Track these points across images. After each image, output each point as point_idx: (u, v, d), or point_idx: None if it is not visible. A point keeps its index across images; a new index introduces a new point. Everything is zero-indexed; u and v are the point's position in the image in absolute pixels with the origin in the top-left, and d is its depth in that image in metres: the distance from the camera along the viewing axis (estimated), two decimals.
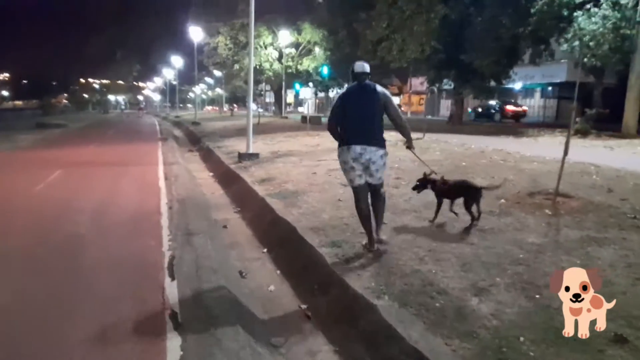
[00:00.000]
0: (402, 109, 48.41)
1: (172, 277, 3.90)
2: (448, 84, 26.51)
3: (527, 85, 34.00)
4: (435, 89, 21.09)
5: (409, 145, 4.72)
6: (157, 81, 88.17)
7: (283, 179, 7.71)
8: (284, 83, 31.73)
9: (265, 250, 5.00)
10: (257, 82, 35.27)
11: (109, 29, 77.57)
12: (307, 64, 31.77)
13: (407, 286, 3.32)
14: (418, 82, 55.51)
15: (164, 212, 5.75)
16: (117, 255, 4.47)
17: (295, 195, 6.41)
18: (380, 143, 4.11)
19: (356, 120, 4.03)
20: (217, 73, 69.50)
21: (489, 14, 16.96)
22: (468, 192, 4.58)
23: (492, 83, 21.42)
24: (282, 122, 24.76)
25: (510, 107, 29.62)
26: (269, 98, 77.44)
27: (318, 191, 6.59)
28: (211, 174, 10.29)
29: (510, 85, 28.73)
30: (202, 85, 77.64)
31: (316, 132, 15.66)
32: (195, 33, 26.50)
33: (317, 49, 30.85)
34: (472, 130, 18.46)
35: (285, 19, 30.42)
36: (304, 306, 3.59)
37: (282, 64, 31.41)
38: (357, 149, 4.01)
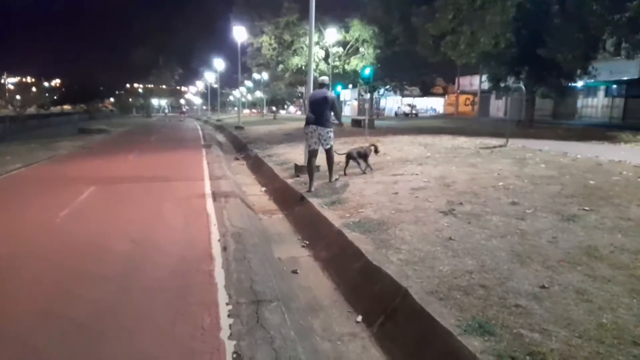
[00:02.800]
0: (446, 110, 45.81)
1: None
2: (508, 83, 24.33)
3: (590, 84, 31.07)
4: (510, 86, 18.91)
5: (339, 124, 7.95)
6: (199, 85, 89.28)
7: (357, 200, 6.22)
8: (329, 84, 30.37)
9: (360, 319, 3.51)
10: (300, 84, 34.09)
11: (153, 34, 78.98)
12: (355, 63, 30.24)
13: None
14: (467, 82, 53.26)
15: (217, 258, 4.33)
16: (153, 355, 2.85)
17: (383, 228, 4.90)
18: (327, 125, 7.15)
19: (315, 108, 7.14)
20: (257, 76, 69.35)
21: (574, 1, 14.86)
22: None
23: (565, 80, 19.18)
24: None
25: None
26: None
27: (412, 221, 5.05)
28: (263, 189, 8.96)
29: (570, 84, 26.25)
30: (242, 89, 77.67)
31: (376, 138, 14.08)
32: (239, 33, 25.53)
33: (365, 47, 29.28)
34: (550, 134, 16.36)
35: (332, 16, 29.06)
36: None
37: (328, 63, 30.02)
38: (312, 127, 7.15)
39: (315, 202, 6.38)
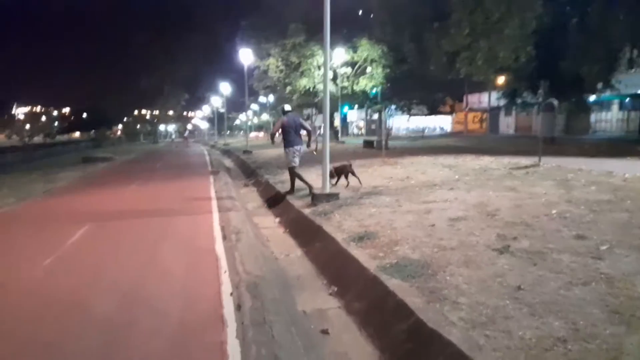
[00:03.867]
0: (454, 128, 45.24)
1: None
2: (526, 98, 23.64)
3: (604, 97, 30.21)
4: (529, 102, 18.15)
5: (309, 145, 9.92)
6: (205, 109, 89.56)
7: (389, 235, 5.40)
8: (339, 105, 29.79)
9: None
10: (308, 105, 33.64)
11: (158, 61, 79.68)
12: (364, 83, 29.75)
13: None
14: (475, 99, 52.70)
15: (230, 321, 3.43)
16: None
17: (428, 272, 4.07)
18: (301, 143, 9.35)
19: (292, 133, 9.16)
20: (263, 99, 69.29)
21: (598, 11, 14.20)
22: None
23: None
24: (342, 148, 22.65)
25: None
26: (318, 122, 76.51)
27: (462, 262, 4.23)
28: (277, 219, 8.16)
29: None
30: (248, 112, 77.75)
31: (394, 160, 13.32)
32: (246, 55, 25.21)
33: (374, 67, 28.80)
34: (576, 150, 15.49)
35: (339, 36, 28.68)
36: None
37: (337, 84, 29.57)
38: (297, 147, 9.21)
39: (339, 236, 5.57)
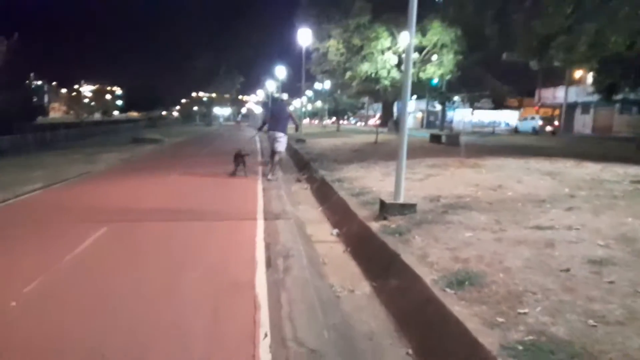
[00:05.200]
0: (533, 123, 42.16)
1: None
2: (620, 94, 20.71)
3: None
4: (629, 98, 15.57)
5: (297, 129, 14.32)
6: (260, 94, 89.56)
7: (503, 281, 3.78)
8: (408, 94, 27.69)
9: None
10: (369, 92, 31.82)
11: (215, 42, 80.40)
12: (432, 70, 27.48)
13: None
14: (549, 94, 48.73)
15: None
16: None
17: None
18: (284, 131, 10.65)
19: (274, 120, 10.67)
20: (318, 86, 67.81)
21: None
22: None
23: None
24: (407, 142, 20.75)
25: None
26: (371, 111, 74.38)
27: None
28: (335, 231, 6.71)
29: None
30: (302, 98, 76.81)
31: (473, 160, 11.44)
32: (304, 35, 23.71)
33: (445, 53, 26.44)
34: None
35: (406, 17, 26.58)
36: None
37: (401, 71, 27.51)
38: (271, 132, 10.60)
39: (427, 275, 4.01)
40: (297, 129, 12.17)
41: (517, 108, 55.60)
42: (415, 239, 5.14)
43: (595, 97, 38.22)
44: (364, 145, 19.83)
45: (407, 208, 6.30)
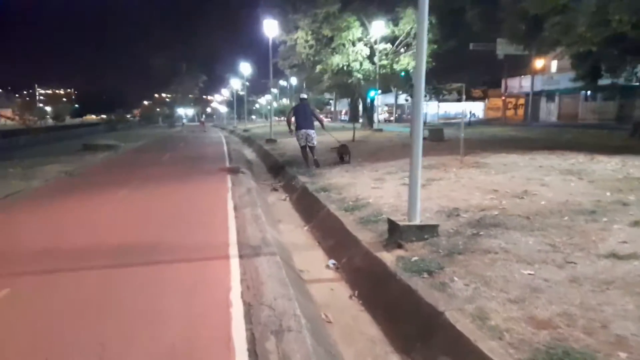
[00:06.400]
0: (486, 115, 42.02)
1: None
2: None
3: None
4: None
5: (323, 127, 12.64)
6: (225, 93, 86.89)
7: None
8: (377, 87, 26.41)
9: None
10: (342, 87, 30.39)
11: (175, 40, 77.49)
12: (406, 61, 26.29)
13: None
14: (515, 84, 48.78)
15: None
16: None
17: None
18: (312, 127, 11.35)
19: (303, 118, 11.30)
20: (283, 82, 65.87)
21: None
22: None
23: None
24: (385, 139, 19.49)
25: None
26: (339, 107, 73.10)
27: None
28: (331, 262, 5.23)
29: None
30: (267, 97, 74.95)
31: (472, 158, 10.14)
32: (270, 27, 22.01)
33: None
34: None
35: (379, 5, 25.24)
36: None
37: (373, 63, 26.20)
38: (303, 131, 11.24)
39: (499, 355, 2.57)
40: (322, 126, 12.46)
41: (482, 99, 55.55)
42: (455, 281, 3.70)
43: (560, 86, 38.60)
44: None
45: (426, 230, 4.86)
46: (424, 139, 17.88)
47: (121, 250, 5.27)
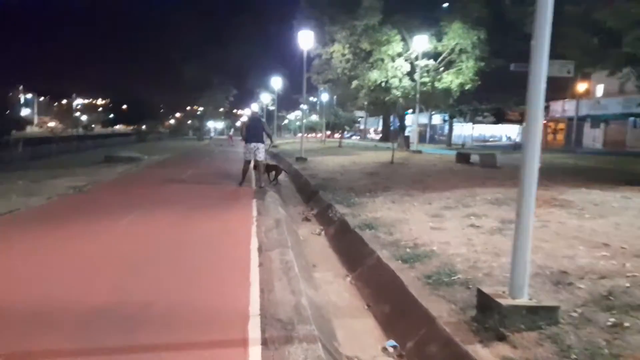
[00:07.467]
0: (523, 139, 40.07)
1: None
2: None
3: None
4: None
5: (272, 143, 15.12)
6: (255, 107, 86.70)
7: None
8: (417, 106, 24.84)
9: None
10: (375, 104, 28.98)
11: (206, 53, 77.84)
12: (449, 79, 24.70)
13: None
14: (558, 107, 46.56)
15: None
16: None
17: None
18: (261, 141, 11.78)
19: (254, 132, 11.73)
20: (313, 99, 64.89)
21: None
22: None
23: None
24: (427, 162, 17.87)
25: None
26: (368, 125, 71.48)
27: None
28: (390, 342, 3.70)
29: None
30: (297, 112, 74.16)
31: (548, 193, 8.46)
32: (305, 38, 20.83)
33: (464, 60, 23.70)
34: None
35: (421, 19, 23.83)
36: None
37: (414, 80, 24.71)
38: (253, 144, 11.65)
39: None
40: (271, 141, 13.56)
41: (519, 122, 53.37)
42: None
43: (609, 111, 36.77)
44: (378, 165, 16.89)
45: (541, 314, 3.29)
46: (471, 163, 16.40)
47: (92, 319, 3.59)
